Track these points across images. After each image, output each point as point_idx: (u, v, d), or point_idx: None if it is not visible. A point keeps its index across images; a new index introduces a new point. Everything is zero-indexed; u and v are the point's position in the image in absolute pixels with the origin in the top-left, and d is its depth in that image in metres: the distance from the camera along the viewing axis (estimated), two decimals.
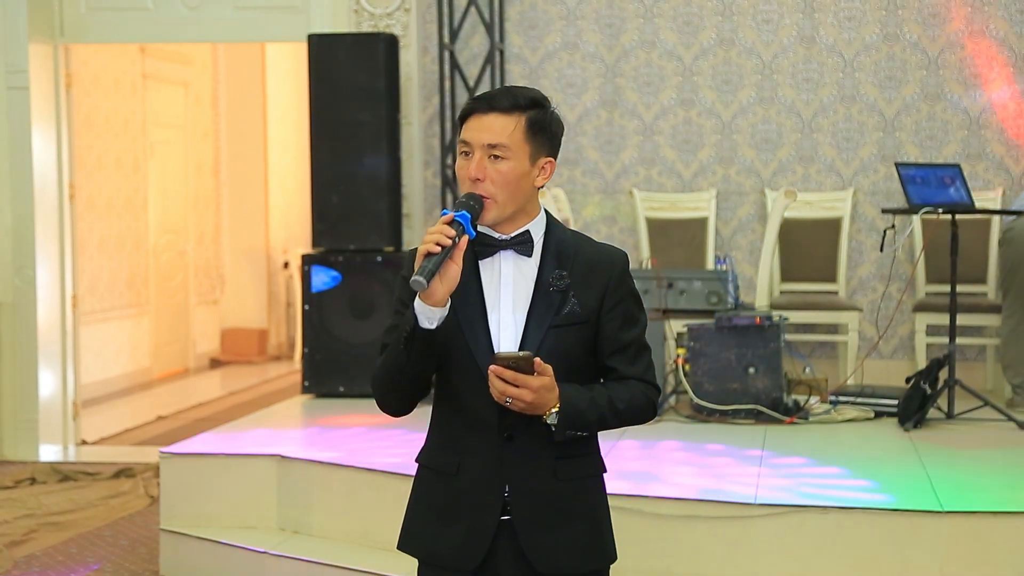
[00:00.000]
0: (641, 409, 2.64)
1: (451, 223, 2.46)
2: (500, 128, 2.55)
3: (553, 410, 2.51)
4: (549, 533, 2.58)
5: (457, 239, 2.46)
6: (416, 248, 2.56)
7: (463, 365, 2.56)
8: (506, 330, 2.57)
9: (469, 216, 2.49)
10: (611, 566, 2.70)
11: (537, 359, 2.46)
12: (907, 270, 7.12)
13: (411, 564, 2.71)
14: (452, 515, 2.60)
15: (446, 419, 2.64)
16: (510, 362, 2.45)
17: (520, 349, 2.54)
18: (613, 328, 2.62)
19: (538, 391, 2.47)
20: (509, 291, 2.58)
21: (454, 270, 2.46)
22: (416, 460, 2.71)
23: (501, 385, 2.46)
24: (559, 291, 2.57)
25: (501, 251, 2.59)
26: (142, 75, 10.33)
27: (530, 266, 2.60)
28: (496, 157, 2.54)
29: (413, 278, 2.41)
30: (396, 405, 2.64)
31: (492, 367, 2.46)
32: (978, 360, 7.14)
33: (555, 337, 2.56)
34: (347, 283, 6.74)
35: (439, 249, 2.43)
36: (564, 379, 2.52)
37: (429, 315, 2.47)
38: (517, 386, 2.46)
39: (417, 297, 2.47)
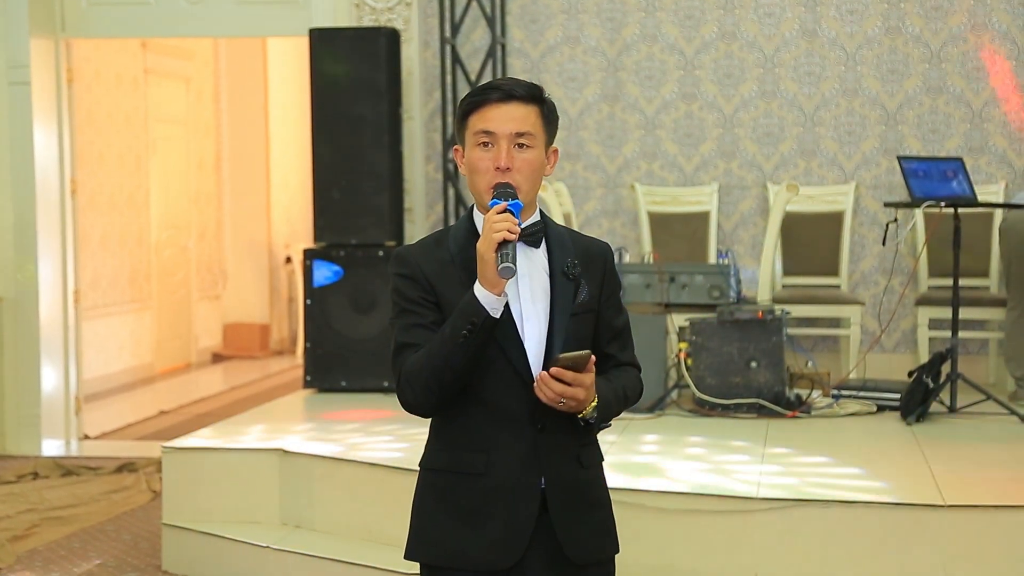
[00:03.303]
0: (639, 393, 2.73)
1: (507, 212, 2.48)
2: (523, 116, 2.56)
3: (592, 404, 2.53)
4: (579, 520, 2.59)
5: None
6: (404, 246, 2.64)
7: (490, 359, 2.53)
8: (529, 321, 2.56)
9: (521, 205, 2.52)
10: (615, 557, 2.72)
11: (592, 355, 2.48)
12: (909, 264, 7.11)
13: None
14: (483, 515, 2.55)
15: (465, 418, 2.58)
16: (569, 362, 2.46)
17: (548, 338, 2.55)
18: (610, 315, 2.67)
19: (589, 388, 2.49)
20: (527, 282, 2.58)
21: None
22: (421, 465, 2.66)
23: (559, 387, 2.45)
24: (573, 279, 2.58)
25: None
26: (143, 70, 10.33)
27: (539, 256, 2.60)
28: (523, 146, 2.56)
29: (504, 265, 2.42)
30: (436, 405, 2.56)
31: (553, 369, 2.45)
32: (980, 354, 7.14)
33: (575, 324, 2.58)
34: (349, 278, 6.74)
35: (514, 237, 2.44)
36: None
37: (495, 305, 2.47)
38: (572, 385, 2.46)
39: (480, 289, 2.46)
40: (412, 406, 2.58)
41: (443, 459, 2.61)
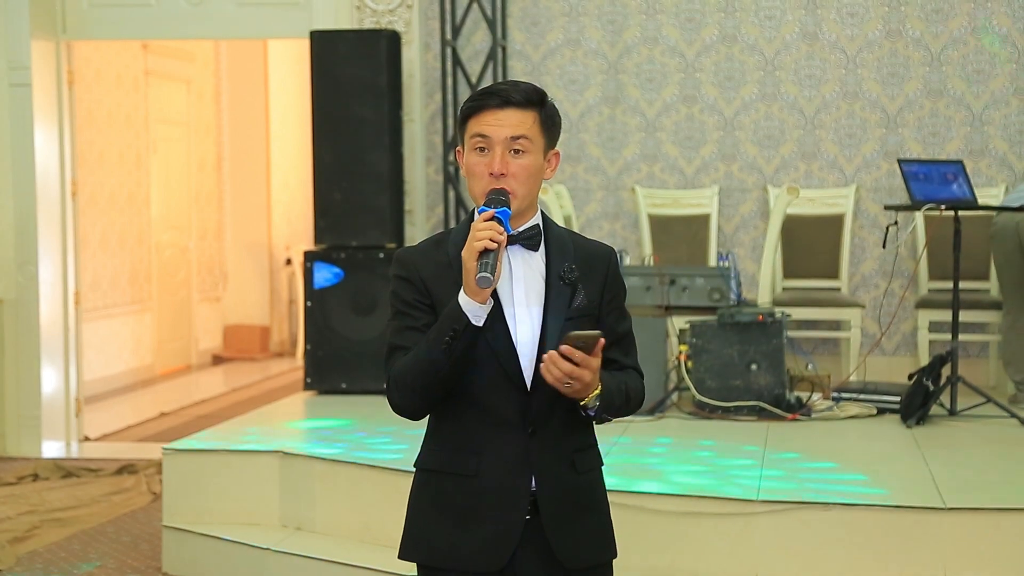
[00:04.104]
0: (640, 398, 2.70)
1: (493, 219, 2.47)
2: (519, 122, 2.56)
3: (595, 392, 2.51)
4: (572, 526, 2.58)
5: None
6: (405, 248, 2.63)
7: (482, 362, 2.54)
8: (522, 324, 2.56)
9: (509, 212, 2.51)
10: (613, 561, 2.71)
11: (602, 337, 2.46)
12: (910, 266, 7.12)
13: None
14: (474, 517, 2.56)
15: (458, 419, 2.59)
16: (580, 341, 2.44)
17: (540, 343, 2.54)
18: (612, 321, 2.65)
19: (596, 371, 2.48)
20: (521, 286, 2.58)
21: (500, 267, 2.47)
22: (416, 466, 2.67)
23: (568, 367, 2.43)
24: (570, 284, 2.58)
25: (508, 246, 2.56)
26: (144, 71, 10.34)
27: (537, 260, 2.60)
28: (518, 151, 2.55)
29: (481, 275, 2.42)
30: (423, 408, 2.59)
31: (563, 347, 2.43)
32: (981, 356, 7.14)
33: (570, 329, 2.56)
34: (349, 280, 6.75)
35: (495, 245, 2.44)
36: None
37: (478, 312, 2.47)
38: (580, 367, 2.45)
39: (464, 296, 2.47)
40: (400, 408, 2.60)
41: (437, 460, 2.62)
